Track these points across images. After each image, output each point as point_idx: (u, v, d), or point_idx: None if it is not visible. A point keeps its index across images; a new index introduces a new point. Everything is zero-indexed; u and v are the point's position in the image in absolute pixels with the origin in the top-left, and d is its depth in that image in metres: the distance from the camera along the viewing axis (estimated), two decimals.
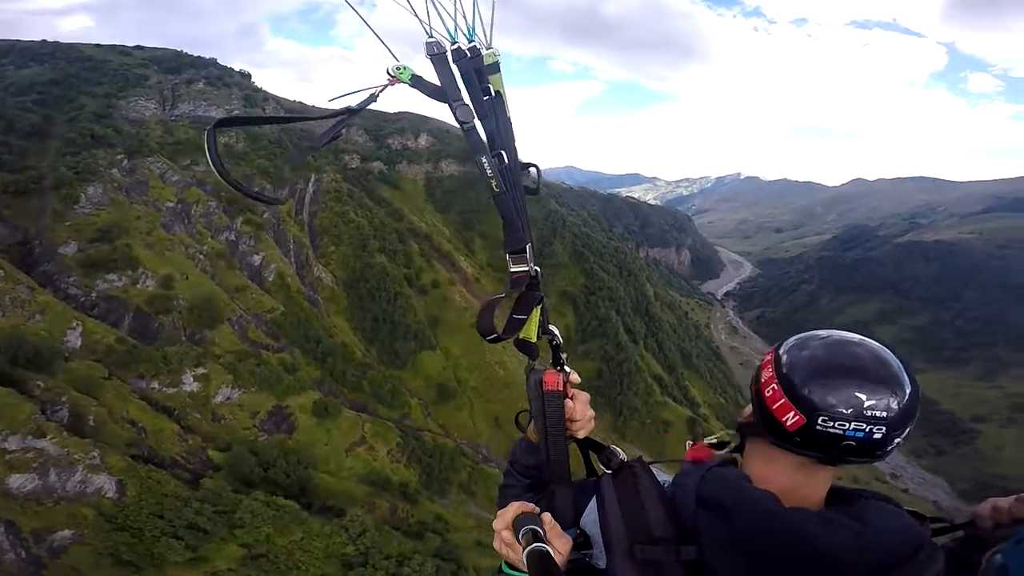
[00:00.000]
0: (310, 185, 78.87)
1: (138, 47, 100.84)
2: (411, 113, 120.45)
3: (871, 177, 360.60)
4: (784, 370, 1.29)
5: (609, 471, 1.54)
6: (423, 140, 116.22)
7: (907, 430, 1.23)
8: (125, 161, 63.63)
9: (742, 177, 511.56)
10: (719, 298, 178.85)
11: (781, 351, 1.34)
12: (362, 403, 55.26)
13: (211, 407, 43.80)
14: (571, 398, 1.64)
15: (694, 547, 1.25)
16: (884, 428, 1.19)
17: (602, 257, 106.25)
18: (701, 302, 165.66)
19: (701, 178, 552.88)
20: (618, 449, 1.59)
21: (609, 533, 1.36)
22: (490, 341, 1.64)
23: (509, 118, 1.60)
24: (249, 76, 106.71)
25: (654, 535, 1.30)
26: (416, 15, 1.40)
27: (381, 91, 1.49)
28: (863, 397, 1.19)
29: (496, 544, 1.33)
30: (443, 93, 1.46)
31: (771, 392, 1.31)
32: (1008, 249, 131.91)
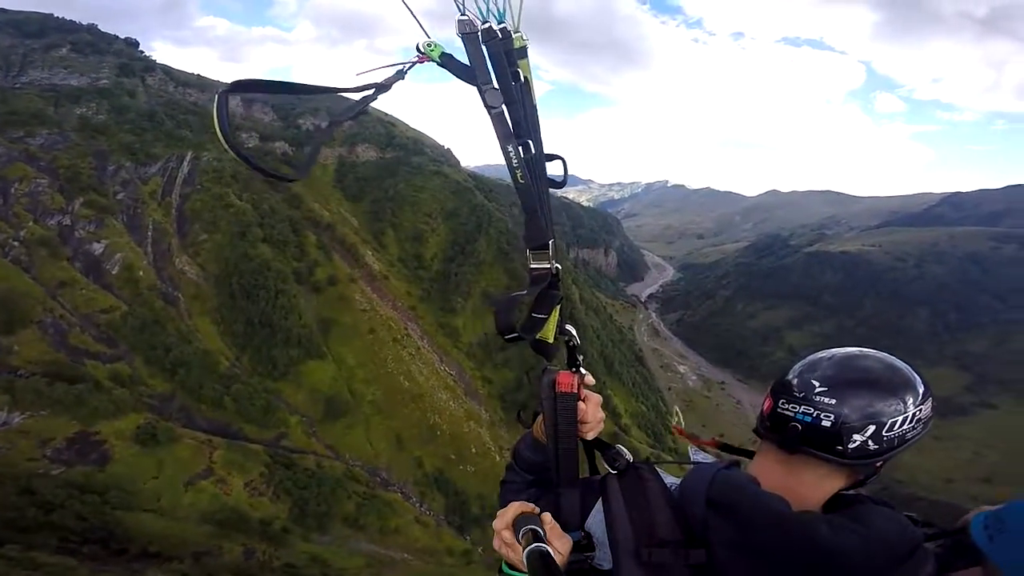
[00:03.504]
0: (185, 164, 67.28)
1: None
2: None
3: (785, 189, 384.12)
4: (786, 377, 1.43)
5: (614, 471, 1.51)
6: None
7: (873, 430, 1.28)
8: None
9: (669, 184, 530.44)
10: (643, 300, 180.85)
11: (790, 373, 1.44)
12: (223, 423, 45.74)
13: None
14: (583, 400, 1.59)
15: (703, 551, 1.26)
16: (832, 416, 1.28)
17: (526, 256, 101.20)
18: (626, 304, 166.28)
19: (632, 183, 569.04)
20: (624, 449, 1.54)
21: (615, 535, 1.35)
22: (508, 340, 1.59)
23: (536, 106, 1.55)
24: (136, 44, 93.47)
25: (661, 538, 1.30)
26: None
27: (410, 68, 1.45)
28: (816, 384, 1.30)
29: (496, 544, 1.35)
30: (472, 74, 1.42)
31: (766, 392, 1.48)
32: (904, 262, 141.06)
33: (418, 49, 1.38)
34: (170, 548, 32.49)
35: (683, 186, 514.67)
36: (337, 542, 42.48)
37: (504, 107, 1.41)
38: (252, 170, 1.32)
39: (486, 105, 1.40)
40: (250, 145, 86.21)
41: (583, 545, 1.41)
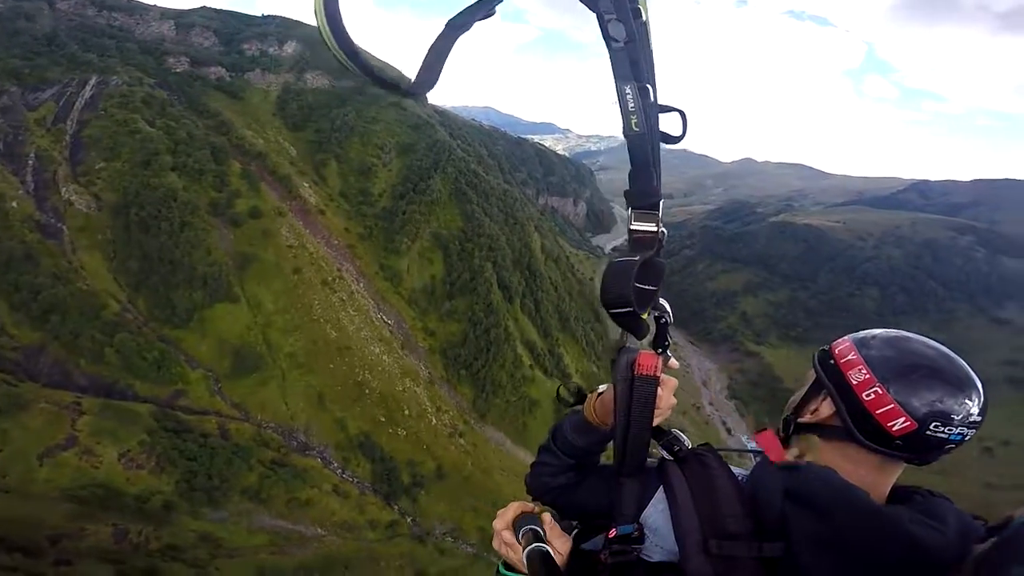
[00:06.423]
0: (87, 88, 57.85)
1: None
2: (281, 17, 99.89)
3: (760, 158, 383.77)
4: (886, 377, 1.28)
5: (672, 458, 1.45)
6: (289, 48, 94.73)
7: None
8: None
9: None
10: (607, 252, 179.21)
11: (872, 362, 1.32)
12: (108, 380, 39.78)
13: None
14: (660, 384, 1.43)
15: (780, 543, 1.21)
16: (975, 431, 1.26)
17: (487, 199, 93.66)
18: (590, 255, 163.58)
19: (610, 136, 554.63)
20: (682, 435, 1.49)
21: (682, 526, 1.31)
22: (615, 315, 1.40)
23: (652, 50, 1.42)
24: None
25: (730, 530, 1.25)
26: None
27: None
28: (970, 404, 1.24)
29: (496, 544, 1.33)
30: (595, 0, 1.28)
31: (873, 396, 1.28)
32: (864, 241, 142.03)
33: None
34: (17, 532, 27.57)
35: (660, 146, 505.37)
36: (234, 518, 38.37)
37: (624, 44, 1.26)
38: (365, 76, 1.14)
39: (607, 37, 1.25)
40: (179, 70, 75.78)
41: (634, 537, 1.34)
